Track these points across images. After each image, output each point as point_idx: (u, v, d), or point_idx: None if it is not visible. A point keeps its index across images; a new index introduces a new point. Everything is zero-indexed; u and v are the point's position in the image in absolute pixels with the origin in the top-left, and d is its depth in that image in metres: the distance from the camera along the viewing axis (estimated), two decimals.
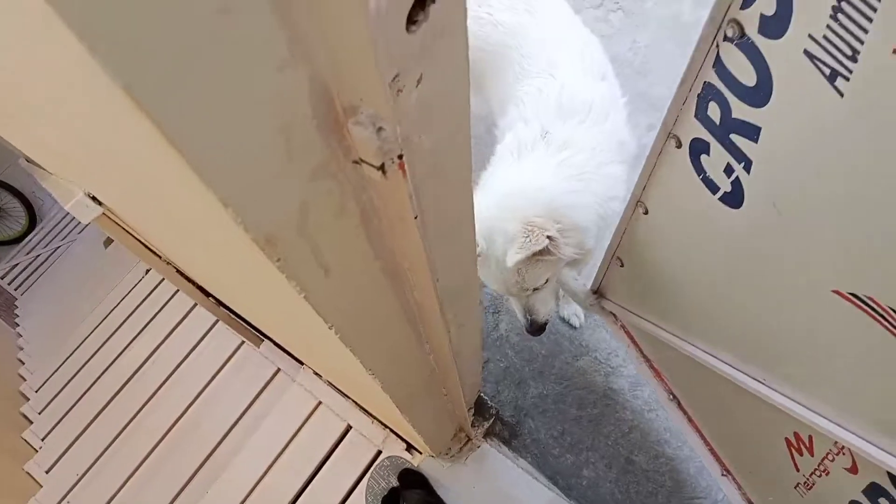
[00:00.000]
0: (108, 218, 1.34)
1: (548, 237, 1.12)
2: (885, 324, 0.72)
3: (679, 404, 1.40)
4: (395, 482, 1.43)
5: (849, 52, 0.58)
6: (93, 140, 0.50)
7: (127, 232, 1.48)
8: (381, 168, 0.38)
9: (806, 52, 0.62)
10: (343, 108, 0.35)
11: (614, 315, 1.42)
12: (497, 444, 1.52)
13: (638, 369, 1.45)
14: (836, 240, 0.73)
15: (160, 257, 1.65)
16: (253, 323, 1.86)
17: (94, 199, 1.26)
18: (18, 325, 3.07)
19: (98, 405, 2.29)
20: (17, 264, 3.41)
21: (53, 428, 2.32)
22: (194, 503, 1.76)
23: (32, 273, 3.37)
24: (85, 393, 2.38)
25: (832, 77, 0.61)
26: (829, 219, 0.72)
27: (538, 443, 1.59)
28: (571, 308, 1.79)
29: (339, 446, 1.69)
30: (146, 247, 1.59)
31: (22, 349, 2.88)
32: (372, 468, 1.50)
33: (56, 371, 2.55)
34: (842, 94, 0.61)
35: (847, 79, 0.60)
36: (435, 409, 1.14)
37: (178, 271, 1.76)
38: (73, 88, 0.36)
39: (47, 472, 2.15)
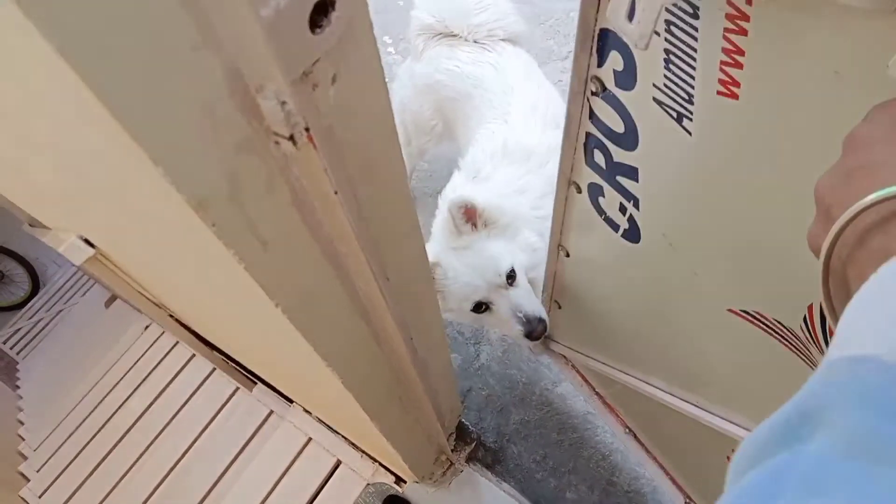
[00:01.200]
0: (99, 260, 1.42)
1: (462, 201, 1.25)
2: (776, 336, 0.79)
3: (635, 436, 1.45)
4: None
5: (685, 96, 0.66)
6: (63, 147, 0.58)
7: (118, 276, 1.56)
8: (292, 139, 0.46)
9: (655, 99, 0.71)
10: (254, 89, 0.44)
11: (564, 357, 1.47)
12: (480, 468, 1.56)
13: (592, 405, 1.50)
14: (720, 263, 0.80)
15: (151, 301, 1.72)
16: (234, 352, 1.92)
17: (86, 241, 1.34)
18: (19, 388, 3.12)
19: (94, 461, 2.32)
20: (19, 329, 3.49)
21: (50, 486, 2.34)
22: None
23: (34, 337, 3.44)
24: (82, 450, 2.41)
25: (679, 119, 0.69)
26: (709, 244, 0.80)
27: (521, 467, 1.62)
28: None
29: (329, 481, 1.72)
30: (138, 291, 1.67)
31: (22, 410, 2.91)
32: (358, 495, 1.53)
33: (55, 430, 2.59)
34: (690, 133, 0.69)
35: (690, 119, 0.68)
36: (408, 425, 1.19)
37: (171, 315, 1.83)
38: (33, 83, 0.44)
39: None
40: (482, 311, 1.36)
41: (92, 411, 2.52)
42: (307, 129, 0.46)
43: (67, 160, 0.63)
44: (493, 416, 1.72)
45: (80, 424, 2.51)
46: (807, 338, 0.75)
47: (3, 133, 0.78)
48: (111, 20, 0.33)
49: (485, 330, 1.85)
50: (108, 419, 2.44)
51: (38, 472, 2.44)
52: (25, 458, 2.54)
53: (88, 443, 2.40)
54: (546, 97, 1.56)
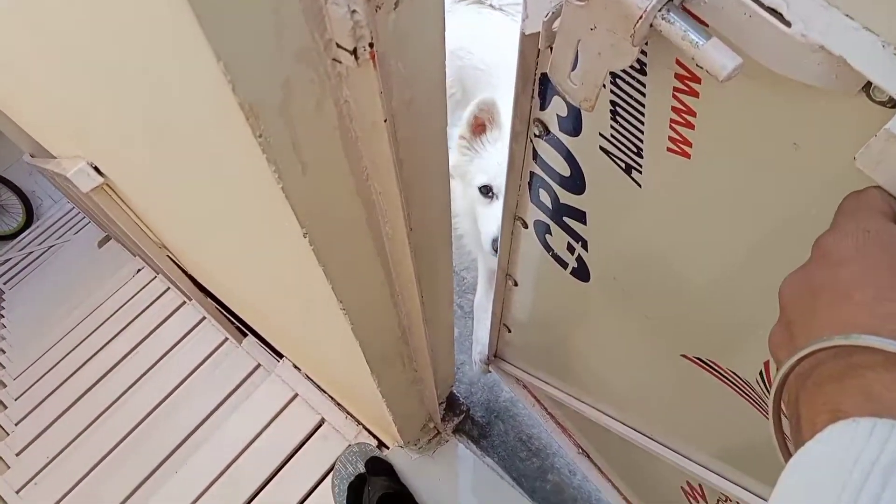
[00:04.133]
0: (106, 191, 1.40)
1: None
2: (731, 385, 0.76)
3: (588, 457, 1.45)
4: (362, 468, 1.45)
5: (634, 149, 0.62)
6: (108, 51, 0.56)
7: (121, 209, 1.53)
8: (354, 53, 0.44)
9: (601, 148, 0.67)
10: None
11: (515, 377, 1.46)
12: (466, 440, 1.56)
13: (546, 426, 1.49)
14: (673, 310, 0.77)
15: (151, 239, 1.70)
16: (236, 306, 1.90)
17: (96, 169, 1.32)
18: (3, 317, 3.09)
19: (75, 394, 2.31)
20: (9, 259, 3.45)
21: (28, 414, 2.33)
22: (162, 486, 1.77)
23: (24, 269, 3.41)
24: (63, 382, 2.40)
25: (628, 170, 0.65)
26: (661, 291, 0.77)
27: (506, 445, 1.62)
28: None
29: (311, 439, 1.72)
30: (140, 228, 1.65)
31: (4, 339, 2.89)
32: (341, 453, 1.52)
33: (36, 362, 2.58)
34: (640, 185, 0.65)
35: (640, 171, 0.64)
36: (405, 384, 1.18)
37: (169, 257, 1.82)
38: None
39: (17, 455, 2.15)
40: (487, 195, 1.36)
41: (75, 347, 2.51)
42: (371, 45, 0.45)
43: (110, 63, 0.61)
44: (483, 392, 1.72)
45: (63, 359, 2.49)
46: (763, 391, 0.72)
47: (27, 48, 0.76)
48: None
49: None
50: (91, 357, 2.43)
51: (16, 400, 2.43)
52: (4, 385, 2.53)
53: (69, 378, 2.39)
54: None
